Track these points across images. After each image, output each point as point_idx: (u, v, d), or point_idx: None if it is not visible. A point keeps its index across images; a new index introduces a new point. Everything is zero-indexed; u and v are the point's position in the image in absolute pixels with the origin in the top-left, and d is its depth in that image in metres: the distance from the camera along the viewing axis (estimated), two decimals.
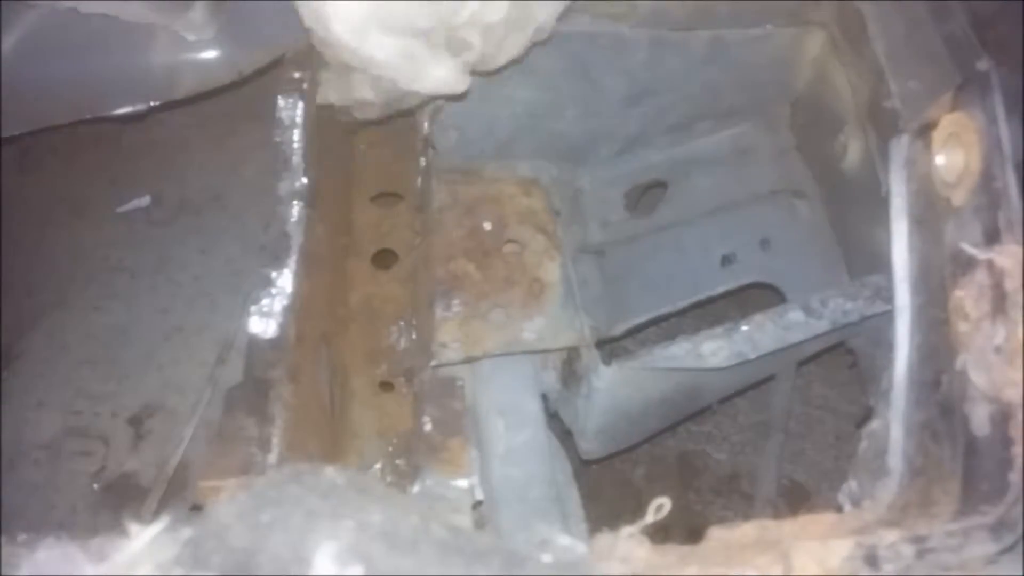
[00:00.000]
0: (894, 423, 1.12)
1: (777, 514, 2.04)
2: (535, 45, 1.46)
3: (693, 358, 1.44)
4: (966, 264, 1.07)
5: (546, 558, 0.85)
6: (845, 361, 1.79)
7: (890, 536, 0.94)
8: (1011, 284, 1.00)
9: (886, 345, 1.20)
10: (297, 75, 1.53)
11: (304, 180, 1.45)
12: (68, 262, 2.14)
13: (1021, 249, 1.01)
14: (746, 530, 1.00)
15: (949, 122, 1.15)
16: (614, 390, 1.50)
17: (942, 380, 1.08)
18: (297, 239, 1.40)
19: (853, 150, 1.59)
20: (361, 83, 1.45)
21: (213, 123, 2.23)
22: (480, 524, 1.34)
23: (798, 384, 2.22)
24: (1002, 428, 0.99)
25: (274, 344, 1.30)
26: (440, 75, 1.38)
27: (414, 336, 1.59)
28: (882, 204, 1.26)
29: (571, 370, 1.56)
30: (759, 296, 1.85)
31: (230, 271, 2.10)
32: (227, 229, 2.16)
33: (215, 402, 1.86)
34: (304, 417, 1.31)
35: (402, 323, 1.61)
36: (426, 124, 1.60)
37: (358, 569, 0.76)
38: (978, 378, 1.02)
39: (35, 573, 0.78)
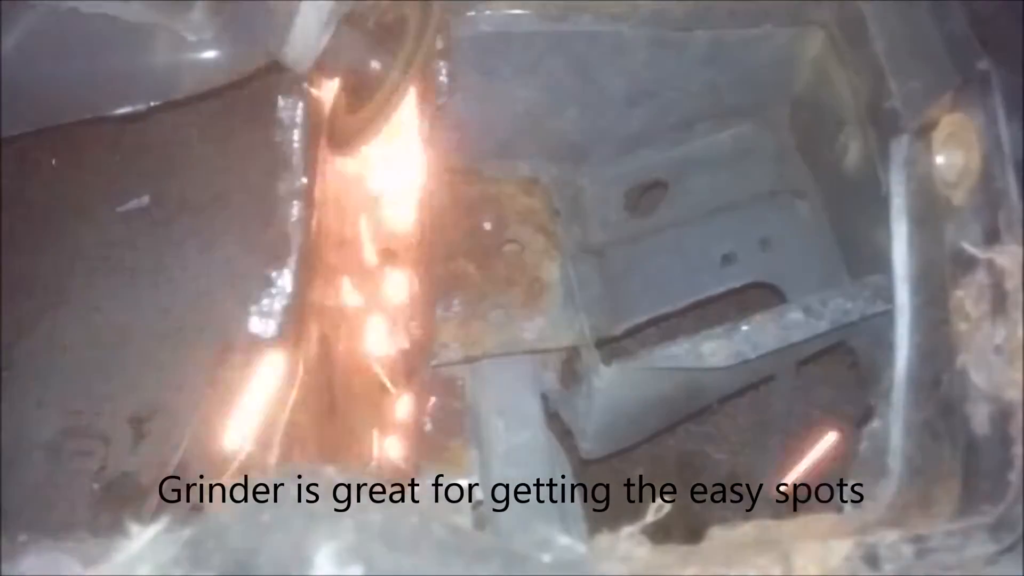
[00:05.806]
0: (894, 423, 1.13)
1: (777, 514, 2.03)
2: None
3: (693, 358, 1.44)
4: (966, 264, 1.07)
5: (546, 558, 0.85)
6: (845, 361, 1.79)
7: (890, 536, 0.94)
8: (1011, 284, 1.00)
9: (886, 345, 1.20)
10: None
11: (304, 180, 1.45)
12: (68, 262, 2.13)
13: (1021, 249, 1.01)
14: (746, 530, 1.00)
15: (949, 122, 1.15)
16: (614, 390, 1.50)
17: (942, 380, 1.08)
18: (297, 239, 1.40)
19: (853, 150, 1.59)
20: None
21: (213, 123, 2.22)
22: (480, 524, 1.34)
23: (798, 384, 2.21)
24: (1002, 428, 0.99)
25: (274, 344, 1.30)
26: None
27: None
28: (882, 204, 1.26)
29: (571, 370, 1.56)
30: (759, 296, 1.85)
31: (230, 271, 2.09)
32: (227, 229, 2.15)
33: (215, 402, 1.86)
34: (304, 417, 1.31)
35: (402, 323, 1.61)
36: (426, 124, 1.60)
37: (358, 569, 0.76)
38: (978, 378, 1.02)
39: (34, 573, 0.78)
